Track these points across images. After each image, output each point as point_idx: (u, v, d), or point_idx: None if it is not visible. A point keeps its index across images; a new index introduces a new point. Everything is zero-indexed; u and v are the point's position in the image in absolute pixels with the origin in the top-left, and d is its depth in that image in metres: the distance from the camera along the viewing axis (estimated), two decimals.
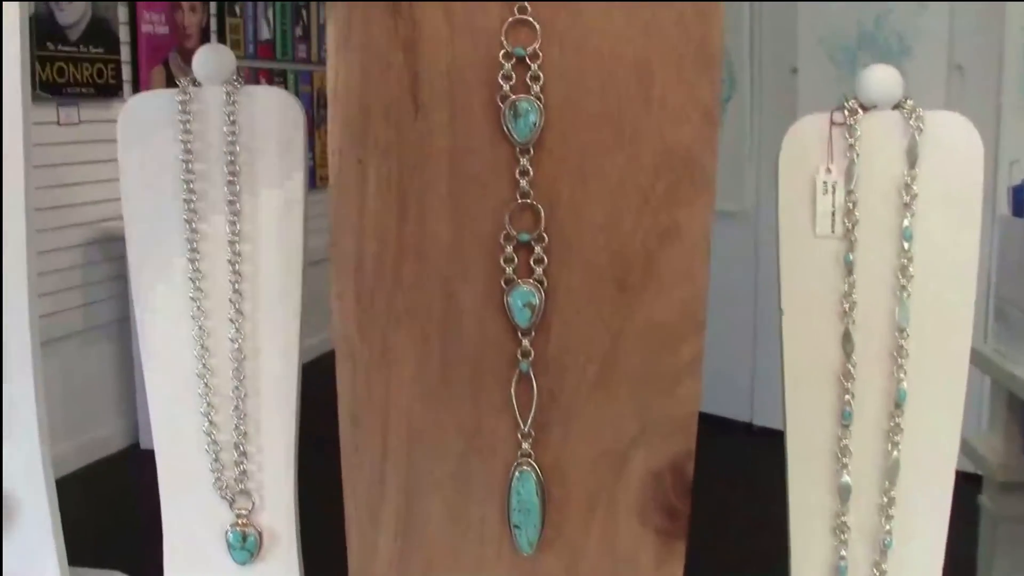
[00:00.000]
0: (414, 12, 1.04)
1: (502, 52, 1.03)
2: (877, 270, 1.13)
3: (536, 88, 1.02)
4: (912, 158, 1.10)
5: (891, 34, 3.96)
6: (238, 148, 1.21)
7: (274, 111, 1.21)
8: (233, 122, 1.21)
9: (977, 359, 2.53)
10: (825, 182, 1.12)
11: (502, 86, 1.03)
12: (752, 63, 4.45)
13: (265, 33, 5.38)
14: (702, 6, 1.01)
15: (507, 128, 1.03)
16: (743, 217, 4.39)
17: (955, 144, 1.11)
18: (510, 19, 1.02)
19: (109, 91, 4.22)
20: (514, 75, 1.03)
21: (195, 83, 1.23)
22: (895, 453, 1.14)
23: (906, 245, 1.11)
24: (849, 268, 1.12)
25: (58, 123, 4.00)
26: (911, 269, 1.12)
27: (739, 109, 4.47)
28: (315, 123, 5.64)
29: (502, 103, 1.03)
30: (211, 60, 1.21)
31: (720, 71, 1.03)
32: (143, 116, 1.24)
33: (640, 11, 1.01)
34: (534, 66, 1.02)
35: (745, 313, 4.47)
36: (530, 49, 1.02)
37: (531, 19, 1.02)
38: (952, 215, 1.12)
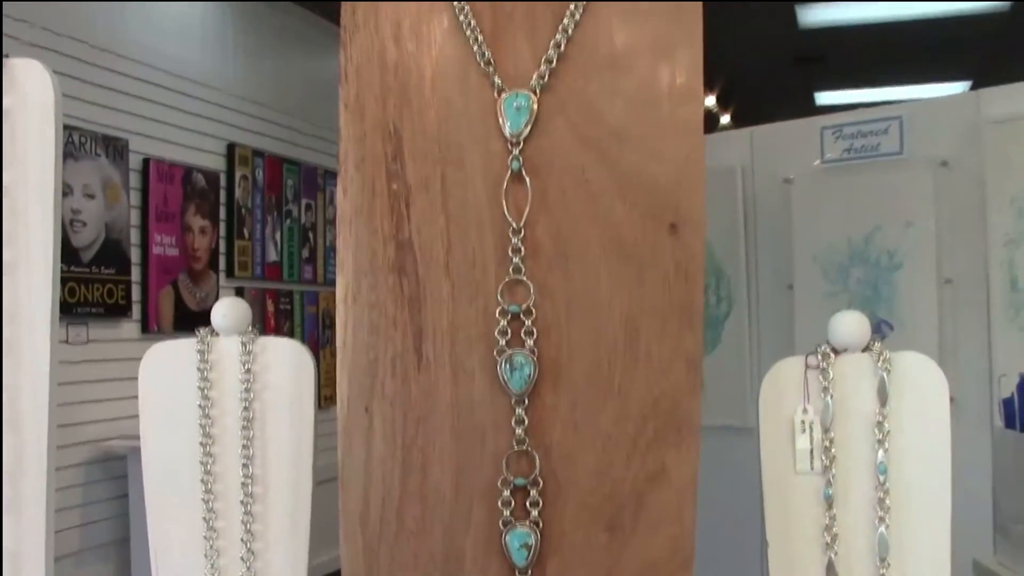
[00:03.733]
0: (418, 271, 1.14)
1: (499, 309, 1.12)
2: (856, 503, 1.19)
3: (530, 342, 1.11)
4: (883, 397, 1.19)
5: (881, 251, 4.08)
6: (252, 395, 1.29)
7: (286, 362, 1.30)
8: (248, 371, 1.29)
9: (983, 573, 2.54)
10: (803, 421, 1.20)
11: (499, 340, 1.11)
12: (749, 280, 4.55)
13: (272, 255, 5.52)
14: (685, 267, 1.10)
15: (503, 380, 1.11)
16: (747, 433, 4.43)
17: (921, 382, 1.20)
18: (506, 279, 1.12)
19: (118, 311, 4.30)
20: (510, 331, 1.11)
21: (213, 333, 1.31)
22: None
23: (882, 479, 1.18)
24: (829, 503, 1.19)
25: (67, 342, 4.05)
26: (888, 501, 1.18)
27: (738, 325, 4.55)
28: (320, 343, 5.73)
29: (499, 356, 1.11)
30: (229, 313, 1.31)
31: (702, 326, 1.12)
32: (164, 363, 1.33)
33: (627, 272, 1.11)
34: (528, 322, 1.11)
35: (752, 525, 4.44)
36: (524, 306, 1.11)
37: (525, 279, 1.11)
38: (923, 448, 1.19)
